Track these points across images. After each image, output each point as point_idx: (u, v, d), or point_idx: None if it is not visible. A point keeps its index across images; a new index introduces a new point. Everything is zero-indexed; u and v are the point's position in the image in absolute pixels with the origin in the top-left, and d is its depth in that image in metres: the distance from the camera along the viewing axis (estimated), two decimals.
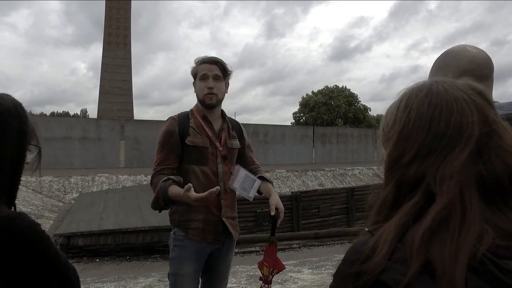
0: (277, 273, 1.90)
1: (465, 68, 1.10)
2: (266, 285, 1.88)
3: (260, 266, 1.93)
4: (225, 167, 1.91)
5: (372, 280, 0.51)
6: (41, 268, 0.82)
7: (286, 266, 2.07)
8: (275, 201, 1.87)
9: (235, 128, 2.05)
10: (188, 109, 2.00)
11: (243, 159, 2.08)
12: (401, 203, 0.56)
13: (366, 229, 0.59)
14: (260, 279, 1.90)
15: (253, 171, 2.07)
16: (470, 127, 0.54)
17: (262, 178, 2.00)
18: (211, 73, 1.87)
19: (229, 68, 1.95)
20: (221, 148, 1.91)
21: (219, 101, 1.93)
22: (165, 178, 1.74)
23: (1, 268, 0.77)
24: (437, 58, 1.23)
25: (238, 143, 2.02)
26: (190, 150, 1.86)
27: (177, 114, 1.97)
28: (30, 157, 0.94)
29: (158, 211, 1.81)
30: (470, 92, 0.57)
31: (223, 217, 1.90)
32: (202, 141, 1.88)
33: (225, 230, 1.93)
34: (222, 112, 2.02)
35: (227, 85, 1.98)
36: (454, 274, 0.46)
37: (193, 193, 1.55)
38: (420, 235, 0.50)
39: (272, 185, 2.05)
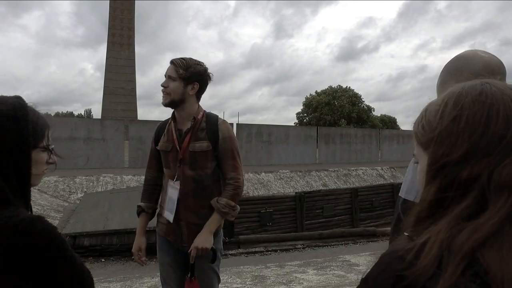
0: None
1: (480, 74, 1.09)
2: None
3: None
4: (187, 171, 1.87)
5: None
6: (58, 269, 0.84)
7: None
8: (196, 240, 1.83)
9: (210, 128, 1.90)
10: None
11: (219, 167, 1.94)
12: (447, 205, 0.53)
13: (406, 233, 0.56)
14: None
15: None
16: None
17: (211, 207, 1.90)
18: (166, 73, 1.89)
19: (191, 69, 1.85)
20: (179, 151, 1.89)
21: (173, 102, 1.86)
22: (140, 203, 2.07)
23: (20, 268, 0.80)
24: (446, 64, 1.22)
25: (204, 146, 1.87)
26: (161, 154, 2.00)
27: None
28: (45, 157, 0.96)
29: None
30: None
31: (182, 221, 1.89)
32: (165, 145, 1.96)
33: (193, 235, 1.88)
34: (197, 112, 1.93)
35: (189, 86, 1.87)
36: None
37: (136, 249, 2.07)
38: (473, 240, 0.47)
39: (221, 214, 1.86)
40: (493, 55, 1.17)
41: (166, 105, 1.89)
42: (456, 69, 1.17)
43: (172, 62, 1.89)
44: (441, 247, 0.49)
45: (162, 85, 1.89)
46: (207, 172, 1.90)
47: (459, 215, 0.51)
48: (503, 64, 1.16)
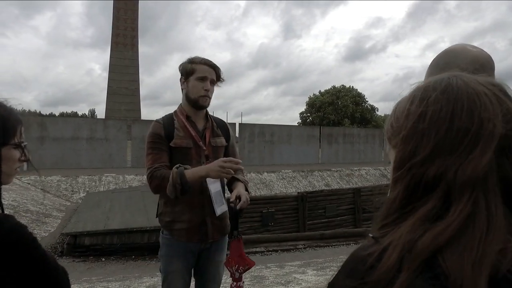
0: (244, 270, 1.84)
1: (468, 68, 1.06)
2: (235, 283, 1.83)
3: (227, 264, 1.87)
4: None
5: None
6: (28, 269, 0.81)
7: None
8: (237, 190, 1.89)
9: (221, 126, 2.08)
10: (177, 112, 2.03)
11: (226, 156, 2.05)
12: (413, 206, 0.51)
13: (370, 235, 0.54)
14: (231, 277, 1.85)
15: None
16: (494, 123, 0.49)
17: (233, 179, 2.00)
18: (210, 77, 1.94)
19: (222, 76, 2.02)
20: (204, 147, 1.94)
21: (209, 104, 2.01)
22: (176, 165, 1.78)
23: None
24: (435, 58, 1.17)
25: (223, 141, 2.04)
26: (175, 151, 1.90)
27: (161, 117, 2.00)
28: (17, 154, 0.91)
29: (174, 197, 1.78)
30: (492, 87, 0.52)
31: (207, 216, 1.90)
32: (186, 142, 1.91)
33: (217, 229, 1.93)
34: (206, 112, 2.05)
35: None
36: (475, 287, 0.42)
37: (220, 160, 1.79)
38: (435, 244, 0.45)
39: (246, 184, 2.01)
40: (482, 50, 1.13)
41: (206, 107, 1.99)
42: (445, 64, 1.12)
43: (214, 66, 1.96)
44: (402, 250, 0.47)
45: (205, 89, 1.93)
46: None
47: (423, 217, 0.49)
48: (492, 59, 1.12)
